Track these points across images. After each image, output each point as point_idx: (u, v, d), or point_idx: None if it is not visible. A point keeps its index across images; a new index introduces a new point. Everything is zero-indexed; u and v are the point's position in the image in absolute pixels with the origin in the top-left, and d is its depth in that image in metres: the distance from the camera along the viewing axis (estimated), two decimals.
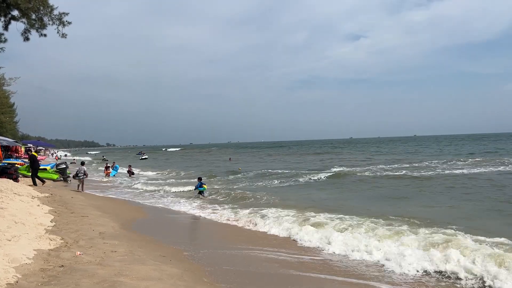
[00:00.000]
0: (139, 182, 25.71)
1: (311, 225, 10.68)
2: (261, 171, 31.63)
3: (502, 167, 25.98)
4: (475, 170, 24.79)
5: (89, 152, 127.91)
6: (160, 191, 21.23)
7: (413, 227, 10.18)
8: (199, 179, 18.57)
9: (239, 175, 28.95)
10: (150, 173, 34.94)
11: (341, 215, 12.07)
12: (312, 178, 25.05)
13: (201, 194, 17.98)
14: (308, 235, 10.02)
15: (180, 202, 17.23)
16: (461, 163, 31.47)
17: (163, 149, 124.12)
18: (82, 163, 20.56)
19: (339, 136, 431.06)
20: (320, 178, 24.86)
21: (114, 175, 31.16)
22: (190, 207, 15.81)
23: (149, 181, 27.30)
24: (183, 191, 20.77)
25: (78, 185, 18.62)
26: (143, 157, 73.45)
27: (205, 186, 18.38)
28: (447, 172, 24.70)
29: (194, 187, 18.76)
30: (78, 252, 7.03)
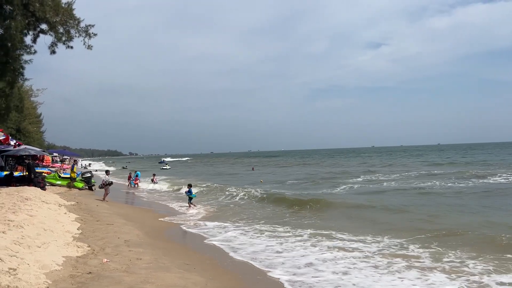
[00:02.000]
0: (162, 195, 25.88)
1: None
2: (287, 183, 31.48)
3: None
4: None
5: (91, 163, 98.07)
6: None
7: None
8: (189, 186, 19.25)
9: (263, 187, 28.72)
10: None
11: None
12: (342, 189, 24.80)
13: (190, 201, 18.62)
14: None
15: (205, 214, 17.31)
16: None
17: (162, 159, 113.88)
18: (107, 172, 20.91)
19: (361, 145, 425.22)
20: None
21: (134, 185, 31.00)
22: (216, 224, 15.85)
23: (173, 194, 27.50)
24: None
25: (105, 194, 18.97)
26: (164, 167, 72.97)
27: (194, 193, 19.23)
28: None
29: (184, 193, 19.91)
30: (105, 260, 7.15)
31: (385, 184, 26.26)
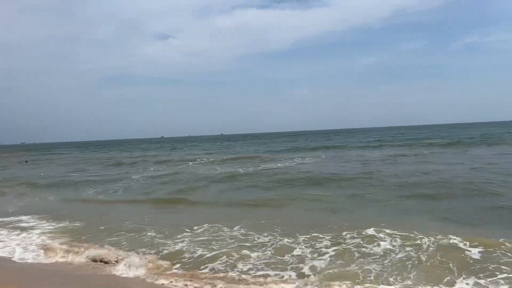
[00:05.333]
0: None
1: None
2: (72, 177, 26.74)
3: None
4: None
5: None
6: None
7: None
8: None
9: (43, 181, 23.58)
10: None
11: None
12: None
13: None
14: None
15: None
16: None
17: None
18: None
19: (150, 135, 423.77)
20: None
21: None
22: None
23: None
24: None
25: None
26: None
27: None
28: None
29: None
30: None
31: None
